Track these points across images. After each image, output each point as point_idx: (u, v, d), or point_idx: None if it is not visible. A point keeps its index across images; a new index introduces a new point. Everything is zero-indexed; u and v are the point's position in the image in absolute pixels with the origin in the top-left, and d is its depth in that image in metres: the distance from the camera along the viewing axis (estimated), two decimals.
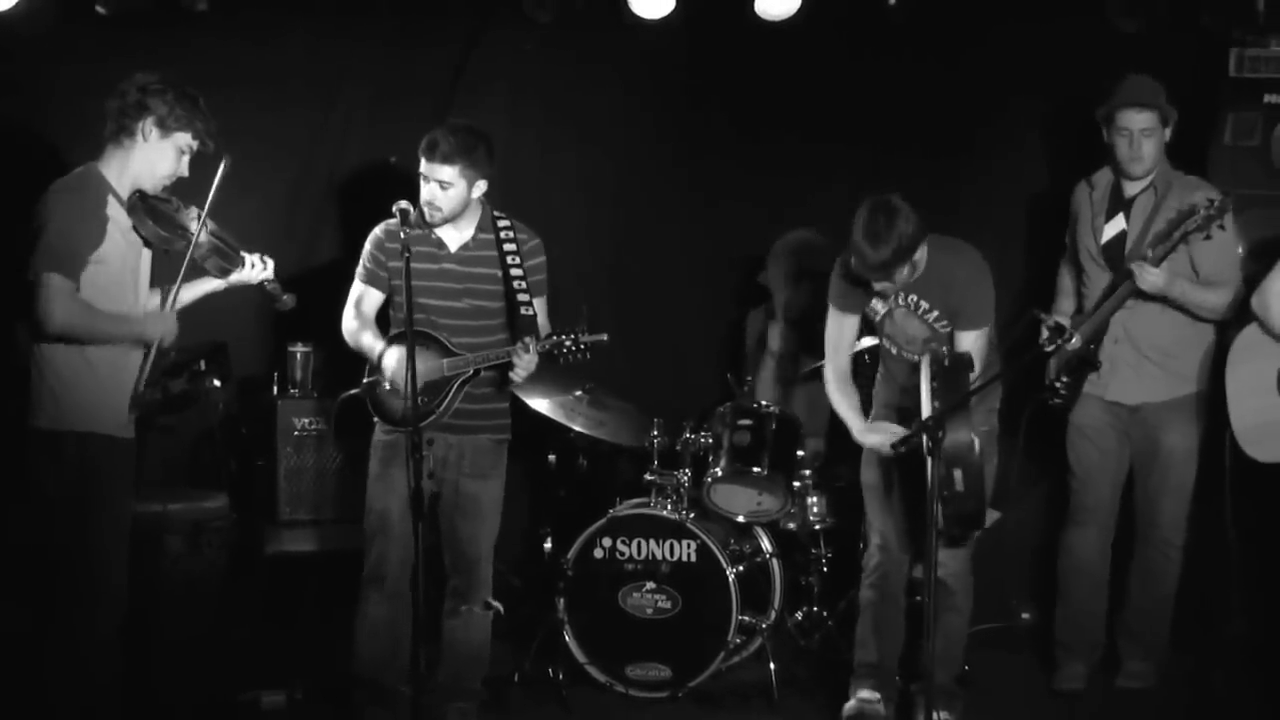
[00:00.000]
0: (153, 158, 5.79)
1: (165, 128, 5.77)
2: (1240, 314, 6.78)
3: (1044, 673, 7.28)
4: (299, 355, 7.44)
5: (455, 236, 6.38)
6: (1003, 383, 6.57)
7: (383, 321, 6.48)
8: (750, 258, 7.91)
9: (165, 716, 6.37)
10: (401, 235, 6.01)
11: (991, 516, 7.23)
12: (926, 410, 6.06)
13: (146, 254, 5.90)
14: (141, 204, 5.81)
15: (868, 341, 6.89)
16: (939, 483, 5.87)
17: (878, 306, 6.52)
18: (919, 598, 6.67)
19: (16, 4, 6.74)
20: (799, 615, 7.52)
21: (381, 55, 7.81)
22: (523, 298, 6.29)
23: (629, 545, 7.11)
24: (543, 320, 6.39)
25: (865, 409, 6.67)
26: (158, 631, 6.40)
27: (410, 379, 5.79)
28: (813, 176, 8.03)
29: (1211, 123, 7.49)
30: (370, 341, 6.37)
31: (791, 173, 8.06)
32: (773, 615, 7.26)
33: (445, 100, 7.70)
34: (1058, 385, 6.87)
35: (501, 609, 6.56)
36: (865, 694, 6.60)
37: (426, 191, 6.28)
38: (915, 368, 6.38)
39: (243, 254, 6.05)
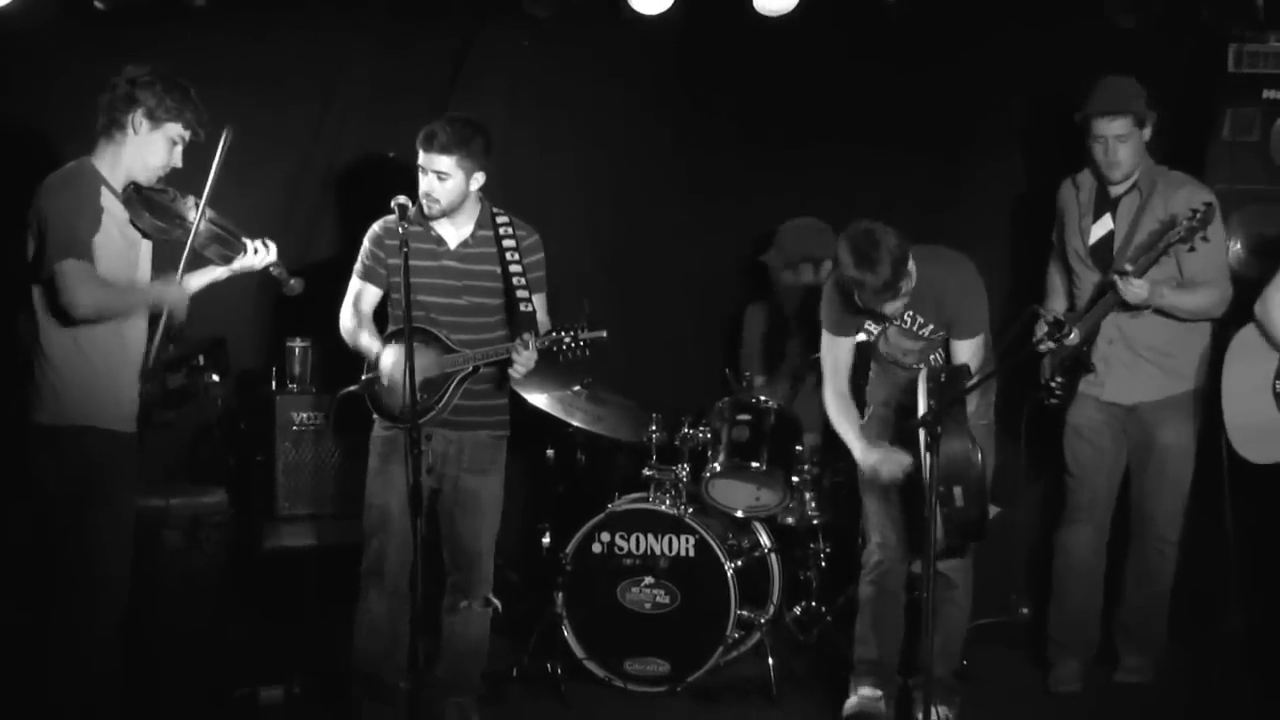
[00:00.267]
0: (144, 150, 5.78)
1: (155, 119, 5.75)
2: (1239, 313, 6.77)
3: (1042, 668, 7.26)
4: (297, 350, 7.42)
5: (454, 233, 6.37)
6: (999, 378, 6.57)
7: (381, 318, 6.47)
8: (748, 253, 7.90)
9: (164, 711, 6.35)
10: (400, 230, 6.01)
11: (992, 511, 7.25)
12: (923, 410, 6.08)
13: (146, 247, 5.90)
14: (137, 196, 5.81)
15: (859, 336, 6.84)
16: (939, 498, 5.91)
17: (871, 328, 6.54)
18: (918, 593, 6.66)
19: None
20: (797, 610, 7.51)
21: (379, 51, 7.79)
22: (522, 294, 6.28)
23: (627, 540, 7.12)
24: (542, 317, 6.38)
25: (859, 403, 6.68)
26: (156, 626, 6.38)
27: (409, 375, 5.78)
28: (809, 172, 8.03)
29: (1210, 118, 7.47)
30: (368, 342, 6.37)
31: (788, 169, 8.06)
32: (771, 610, 7.26)
33: (443, 96, 7.69)
34: (1053, 385, 6.85)
35: (500, 606, 6.55)
36: (866, 691, 6.60)
37: (424, 183, 6.28)
38: (909, 390, 6.40)
39: (244, 240, 6.05)
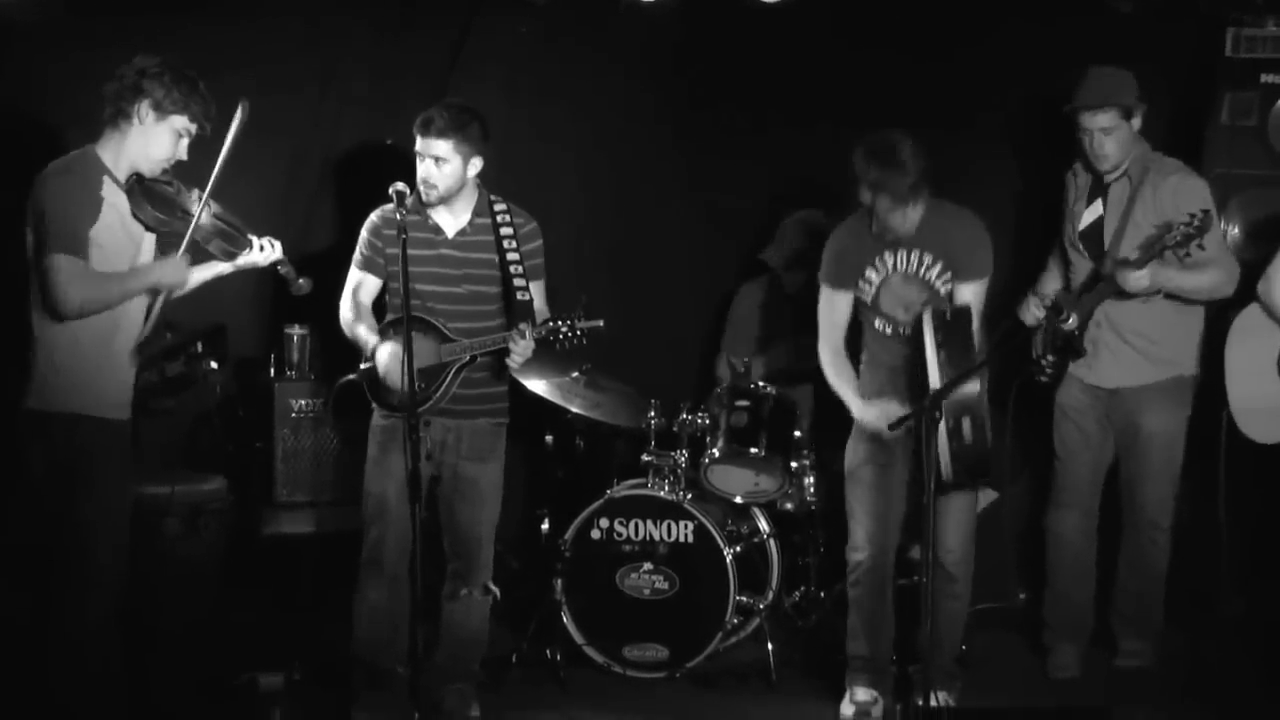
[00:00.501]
0: (149, 141, 5.76)
1: (161, 110, 5.73)
2: (1246, 296, 6.79)
3: (1040, 653, 7.29)
4: (296, 337, 7.43)
5: (452, 222, 6.37)
6: (996, 362, 6.57)
7: (380, 308, 6.48)
8: (746, 239, 7.94)
9: (163, 698, 6.33)
10: (398, 217, 6.01)
11: (989, 497, 7.27)
12: (932, 365, 6.06)
13: (149, 239, 5.88)
14: (139, 187, 5.79)
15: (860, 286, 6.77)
16: (947, 433, 5.95)
17: (872, 277, 6.50)
18: (917, 578, 6.67)
19: None
20: (796, 596, 7.54)
21: (377, 38, 7.78)
22: (519, 283, 6.27)
23: (626, 526, 7.13)
24: (540, 305, 6.38)
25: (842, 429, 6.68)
26: (155, 613, 6.38)
27: (407, 364, 5.78)
28: (808, 159, 7.99)
29: (1208, 103, 7.48)
30: (365, 335, 6.36)
31: (787, 157, 8.08)
32: (770, 596, 7.28)
33: (441, 83, 7.69)
34: (1043, 363, 6.84)
35: (499, 593, 6.56)
36: (861, 695, 6.60)
37: (422, 169, 6.28)
38: (907, 345, 6.40)
39: (250, 237, 6.03)
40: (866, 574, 6.57)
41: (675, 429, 7.31)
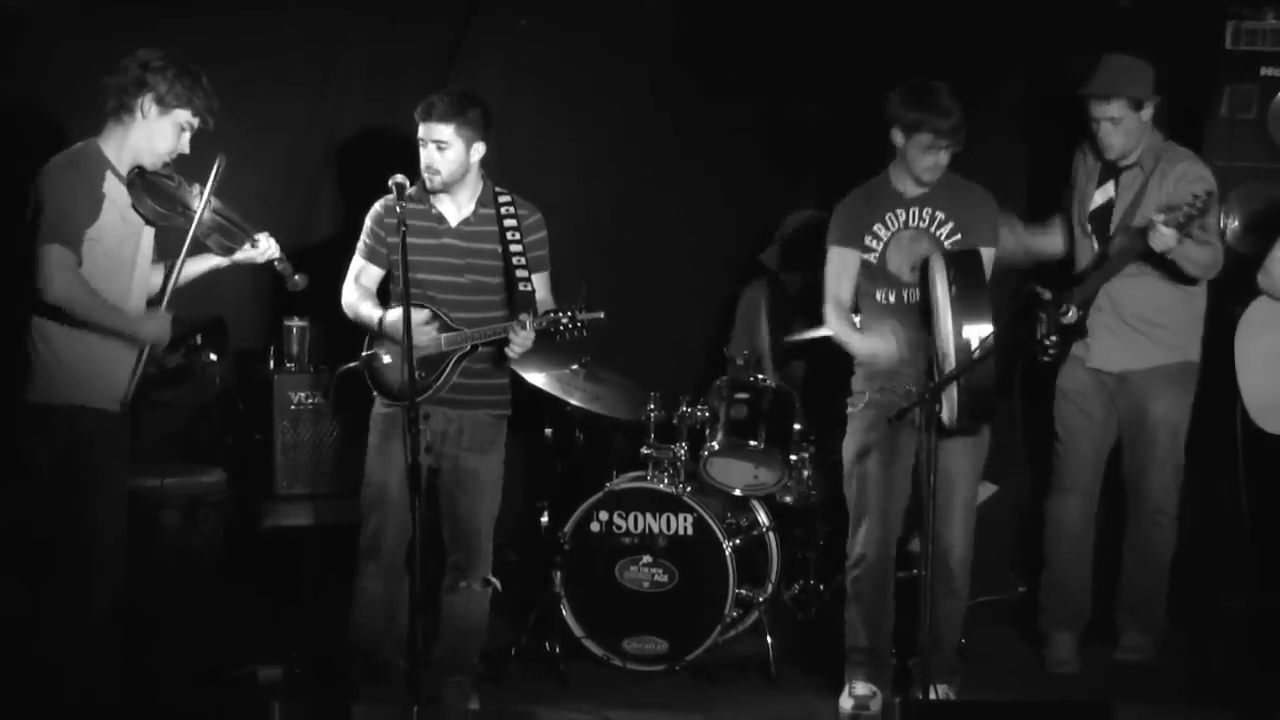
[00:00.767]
0: (152, 134, 5.76)
1: (164, 104, 5.74)
2: (1242, 290, 6.81)
3: (1037, 643, 7.30)
4: (295, 329, 7.39)
5: (455, 211, 6.37)
6: (995, 356, 6.56)
7: (383, 297, 6.48)
8: (747, 230, 7.96)
9: (162, 690, 6.34)
10: (398, 209, 6.01)
11: (988, 490, 7.27)
12: (944, 307, 6.06)
13: (149, 232, 5.89)
14: (140, 180, 5.79)
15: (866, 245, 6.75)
16: (957, 378, 5.97)
17: (881, 233, 6.50)
18: (916, 570, 6.67)
19: None
20: (796, 589, 7.58)
21: (377, 29, 7.77)
22: (521, 274, 6.28)
23: (626, 519, 7.13)
24: (544, 296, 6.39)
25: (843, 395, 6.69)
26: (155, 605, 6.38)
27: (406, 353, 5.80)
28: (811, 147, 8.11)
29: (1208, 95, 7.52)
30: (369, 310, 6.37)
31: (789, 144, 8.14)
32: (770, 589, 7.29)
33: (441, 74, 7.67)
34: (1046, 344, 6.84)
35: (499, 585, 6.56)
36: (861, 689, 6.59)
37: (425, 155, 6.29)
38: (908, 315, 6.40)
39: (251, 233, 6.03)
40: (868, 569, 6.57)
41: (675, 422, 7.30)
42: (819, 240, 6.91)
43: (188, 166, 5.92)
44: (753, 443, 7.23)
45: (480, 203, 6.38)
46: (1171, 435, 7.05)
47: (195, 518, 6.74)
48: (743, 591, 7.09)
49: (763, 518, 7.41)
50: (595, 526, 7.13)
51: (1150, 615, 7.21)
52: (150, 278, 5.95)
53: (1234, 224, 7.37)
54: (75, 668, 5.68)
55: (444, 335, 6.26)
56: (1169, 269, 6.83)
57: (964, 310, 6.03)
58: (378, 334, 6.34)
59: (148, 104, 5.72)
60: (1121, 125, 6.85)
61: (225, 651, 6.63)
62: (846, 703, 6.58)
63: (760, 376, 7.35)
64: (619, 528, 7.12)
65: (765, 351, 7.81)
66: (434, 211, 6.35)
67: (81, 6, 7.08)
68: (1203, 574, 7.51)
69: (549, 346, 6.49)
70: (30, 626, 5.73)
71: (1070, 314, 6.75)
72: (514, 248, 6.32)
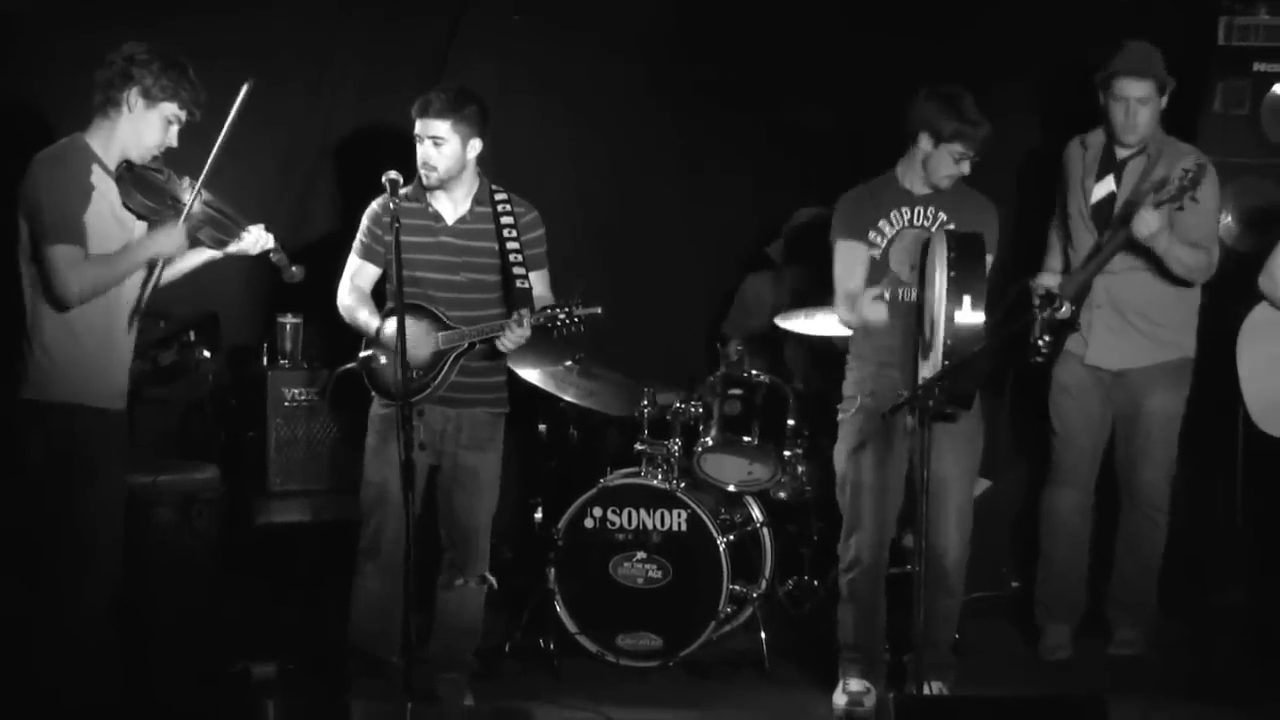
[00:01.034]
0: (139, 128, 5.72)
1: (151, 98, 5.69)
2: (1243, 292, 6.81)
3: (1033, 637, 7.34)
4: (289, 326, 7.38)
5: (452, 209, 6.37)
6: (991, 353, 6.55)
7: (380, 296, 6.47)
8: (743, 225, 7.98)
9: (157, 688, 6.33)
10: (391, 206, 5.99)
11: (982, 485, 7.29)
12: (940, 286, 6.03)
13: (140, 227, 5.85)
14: (129, 174, 5.76)
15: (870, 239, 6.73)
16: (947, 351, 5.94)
17: (885, 230, 6.49)
18: (910, 566, 6.66)
19: None
20: (790, 584, 7.58)
21: (371, 26, 7.74)
22: (518, 271, 6.27)
23: (620, 515, 7.13)
24: (543, 292, 6.39)
25: (834, 397, 6.69)
26: (149, 603, 6.36)
27: (400, 352, 5.79)
28: (804, 142, 8.11)
29: (1201, 91, 7.53)
30: (366, 318, 6.37)
31: (783, 139, 8.14)
32: (764, 585, 7.32)
33: (435, 70, 7.68)
34: (1039, 345, 6.83)
35: (495, 583, 6.56)
36: (854, 685, 6.59)
37: (421, 152, 6.28)
38: (904, 317, 6.37)
39: (244, 225, 6.00)
40: (862, 572, 6.57)
41: (668, 418, 7.31)
42: (823, 236, 6.94)
43: (178, 160, 5.89)
44: (747, 438, 7.24)
45: (477, 200, 6.38)
46: (1165, 429, 7.08)
47: (189, 515, 6.71)
48: (737, 587, 7.10)
49: (757, 513, 7.42)
50: (589, 523, 7.13)
51: (1142, 610, 7.23)
52: (141, 271, 5.88)
53: (1228, 220, 7.37)
54: (71, 666, 5.64)
55: (441, 334, 6.26)
56: (1161, 266, 6.85)
57: (959, 293, 5.99)
58: (375, 340, 6.34)
59: (134, 98, 5.68)
60: (1150, 105, 6.88)
61: (219, 649, 6.63)
62: (840, 699, 6.59)
63: (754, 371, 7.35)
64: (613, 524, 7.13)
65: (763, 336, 7.83)
66: (430, 210, 6.35)
67: (76, 3, 7.05)
68: (1198, 569, 7.53)
69: (545, 342, 6.50)
70: (26, 625, 5.70)
71: (1064, 309, 6.71)
72: (510, 245, 6.32)
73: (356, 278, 6.45)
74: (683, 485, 7.16)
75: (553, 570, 7.10)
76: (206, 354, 6.86)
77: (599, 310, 6.17)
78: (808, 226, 7.73)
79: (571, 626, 7.10)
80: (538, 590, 7.16)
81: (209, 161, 5.79)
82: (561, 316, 6.16)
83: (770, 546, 7.37)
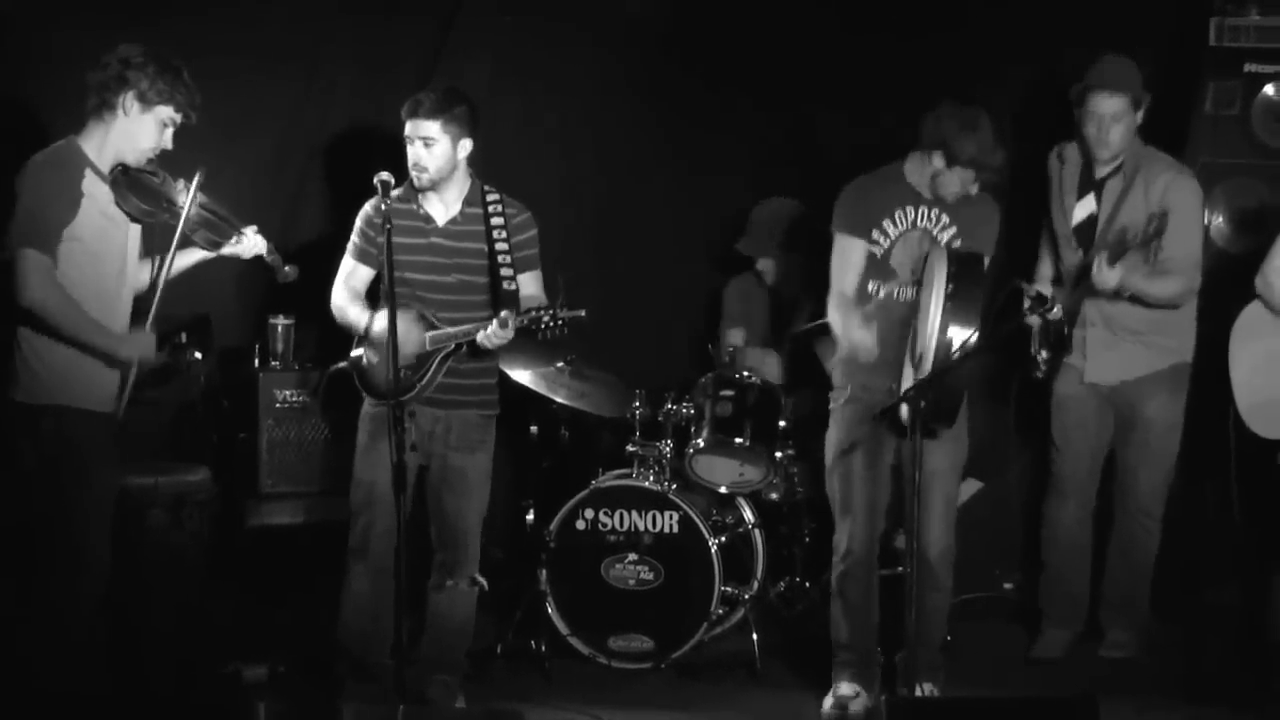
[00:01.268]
0: (134, 131, 5.73)
1: (146, 101, 5.70)
2: (1240, 291, 6.82)
3: (1028, 641, 7.35)
4: (280, 327, 7.38)
5: (443, 210, 6.39)
6: (987, 352, 6.55)
7: (372, 297, 6.49)
8: (732, 225, 7.94)
9: (147, 688, 6.34)
10: (382, 207, 6.01)
11: (974, 487, 7.28)
12: (935, 305, 6.07)
13: (135, 230, 5.87)
14: (123, 178, 5.77)
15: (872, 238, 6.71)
16: (935, 364, 5.99)
17: (890, 229, 6.48)
18: (901, 569, 6.68)
19: None
20: (782, 586, 7.60)
21: (363, 26, 7.74)
22: (505, 273, 6.29)
23: (611, 517, 7.13)
24: (535, 292, 6.42)
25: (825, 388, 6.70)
26: (140, 604, 6.37)
27: (391, 353, 5.81)
28: (794, 143, 8.11)
29: (1192, 92, 7.53)
30: (357, 315, 6.41)
31: (772, 140, 8.13)
32: (755, 586, 7.31)
33: (427, 70, 7.68)
34: (1038, 359, 6.87)
35: (486, 585, 6.58)
36: (845, 689, 6.58)
37: (412, 153, 6.31)
38: (900, 313, 6.38)
39: (238, 226, 6.03)
40: (854, 564, 6.56)
41: (660, 419, 7.31)
42: (791, 225, 6.93)
43: (171, 162, 5.90)
44: (738, 440, 7.25)
45: (467, 202, 6.40)
46: (1163, 436, 7.10)
47: (180, 516, 6.71)
48: (728, 589, 7.10)
49: (748, 515, 7.43)
50: (581, 524, 7.13)
51: (1134, 613, 7.25)
52: (139, 274, 5.94)
53: (1219, 221, 7.41)
54: (60, 666, 5.66)
55: (428, 334, 6.28)
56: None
57: (954, 312, 6.05)
58: (364, 337, 6.37)
59: (129, 101, 5.69)
60: (1123, 122, 6.87)
61: (211, 650, 6.65)
62: (829, 702, 6.59)
63: (745, 373, 7.36)
64: (604, 525, 7.13)
65: (767, 338, 7.85)
66: (421, 211, 6.37)
67: (71, 3, 7.05)
68: (1190, 570, 7.55)
69: (534, 344, 6.49)
70: (15, 624, 5.72)
71: (1055, 310, 6.72)
72: (500, 247, 6.34)
73: (350, 279, 6.48)
74: (674, 487, 7.16)
75: (544, 572, 7.11)
76: (198, 355, 6.84)
77: (582, 313, 6.19)
78: (771, 217, 7.77)
79: (563, 628, 7.10)
80: (529, 592, 7.16)
81: (195, 184, 5.82)
82: (545, 319, 6.17)
83: (762, 548, 7.37)
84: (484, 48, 7.82)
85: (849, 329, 6.39)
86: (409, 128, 6.28)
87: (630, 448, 7.29)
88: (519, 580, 7.29)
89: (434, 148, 6.27)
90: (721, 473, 7.33)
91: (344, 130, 7.73)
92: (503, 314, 6.16)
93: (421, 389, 6.26)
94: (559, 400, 7.26)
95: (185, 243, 5.93)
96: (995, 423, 7.48)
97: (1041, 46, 7.71)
